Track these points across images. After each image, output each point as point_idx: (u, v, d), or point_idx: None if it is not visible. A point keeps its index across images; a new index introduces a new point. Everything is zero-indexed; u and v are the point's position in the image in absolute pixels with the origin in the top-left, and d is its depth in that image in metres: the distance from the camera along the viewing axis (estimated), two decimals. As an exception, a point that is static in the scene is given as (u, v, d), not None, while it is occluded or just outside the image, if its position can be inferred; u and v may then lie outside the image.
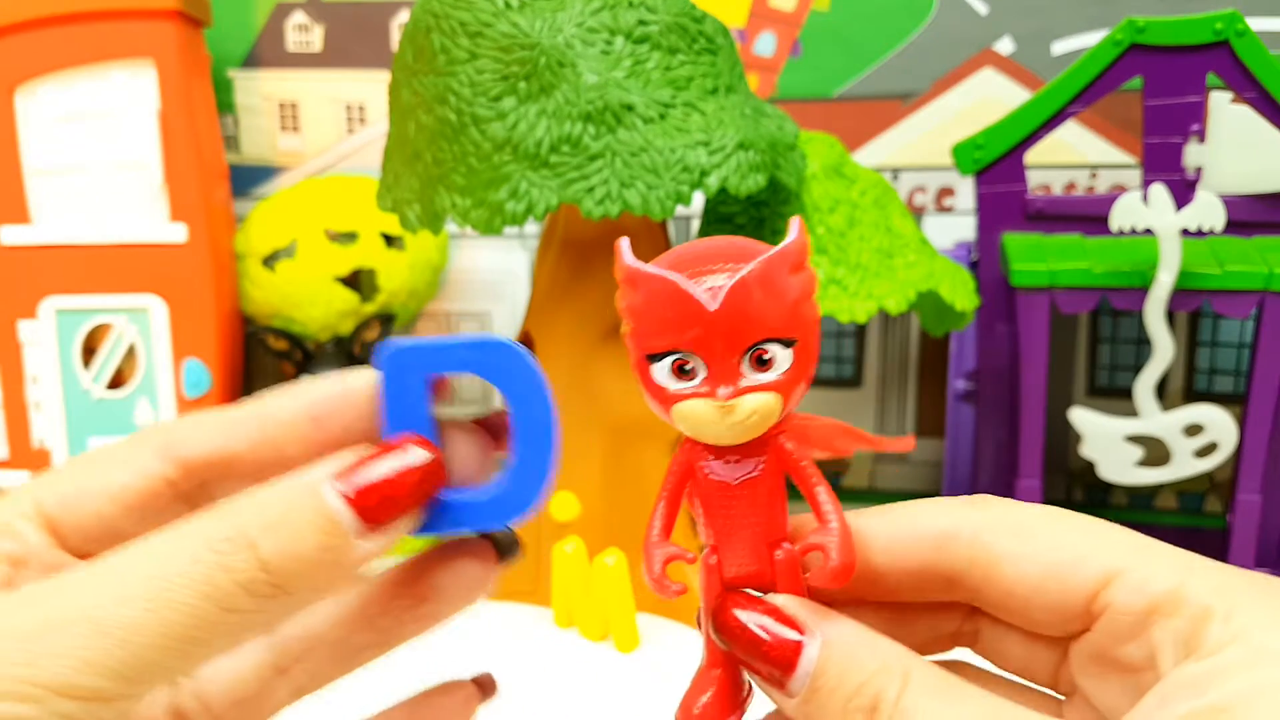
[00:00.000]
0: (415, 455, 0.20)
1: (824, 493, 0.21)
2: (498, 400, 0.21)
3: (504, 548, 0.23)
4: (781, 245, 0.20)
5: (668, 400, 0.21)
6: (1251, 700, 0.17)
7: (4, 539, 0.20)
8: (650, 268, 0.20)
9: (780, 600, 0.21)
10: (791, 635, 0.20)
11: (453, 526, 0.21)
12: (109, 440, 0.65)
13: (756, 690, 0.22)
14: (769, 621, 0.20)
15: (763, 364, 0.20)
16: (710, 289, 0.20)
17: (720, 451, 0.21)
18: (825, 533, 0.21)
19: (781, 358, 0.20)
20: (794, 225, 0.21)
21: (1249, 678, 0.17)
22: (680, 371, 0.20)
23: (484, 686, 0.24)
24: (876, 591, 0.22)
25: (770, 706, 0.22)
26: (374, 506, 0.19)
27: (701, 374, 0.20)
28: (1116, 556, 0.20)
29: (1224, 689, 0.17)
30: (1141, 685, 0.19)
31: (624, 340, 0.21)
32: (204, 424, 0.22)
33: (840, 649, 0.20)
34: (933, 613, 0.23)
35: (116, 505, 0.21)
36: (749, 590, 0.22)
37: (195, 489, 0.21)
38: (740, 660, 0.21)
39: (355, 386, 0.22)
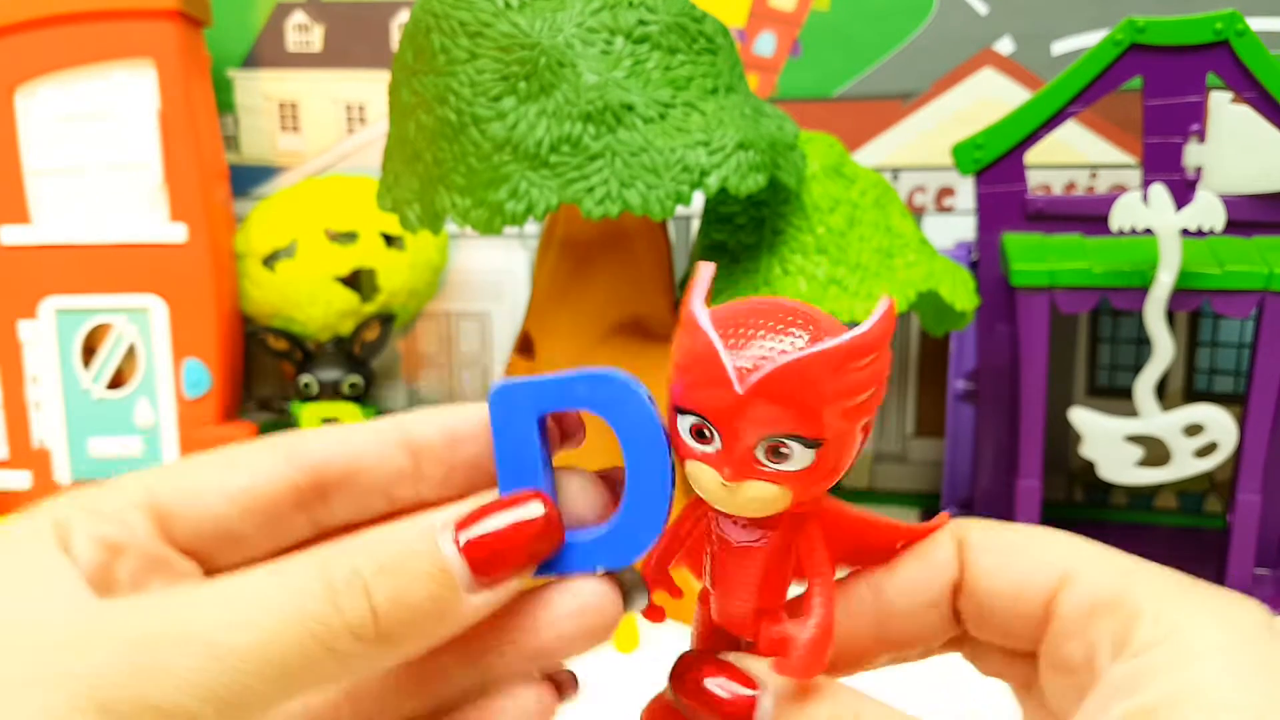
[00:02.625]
0: (532, 511, 0.20)
1: (820, 588, 0.21)
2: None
3: (629, 590, 0.21)
4: (847, 336, 0.19)
5: (683, 454, 0.20)
6: (1178, 701, 0.18)
7: (106, 523, 0.19)
8: (704, 319, 0.20)
9: (732, 657, 0.21)
10: (744, 691, 0.20)
11: (563, 568, 0.20)
12: (109, 440, 0.65)
13: None
14: (723, 680, 0.21)
15: (779, 457, 0.19)
16: (741, 368, 0.19)
17: (733, 514, 0.21)
18: (801, 627, 0.20)
19: (799, 455, 0.19)
20: (881, 305, 0.19)
21: (1176, 678, 0.18)
22: (698, 435, 0.20)
23: (562, 685, 0.22)
24: (890, 648, 0.23)
25: None
26: (486, 560, 0.19)
27: (716, 445, 0.19)
28: (1072, 562, 0.21)
29: (1153, 689, 0.18)
30: (1082, 685, 0.20)
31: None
32: (334, 434, 0.21)
33: (792, 700, 0.20)
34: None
35: (235, 506, 0.20)
36: (705, 651, 0.22)
37: (316, 498, 0.21)
38: (696, 714, 0.21)
39: (452, 416, 0.22)
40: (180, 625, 0.17)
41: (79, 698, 0.16)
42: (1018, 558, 0.22)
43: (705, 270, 0.20)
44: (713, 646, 0.22)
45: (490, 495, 0.20)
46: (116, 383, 0.64)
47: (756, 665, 0.21)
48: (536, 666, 0.21)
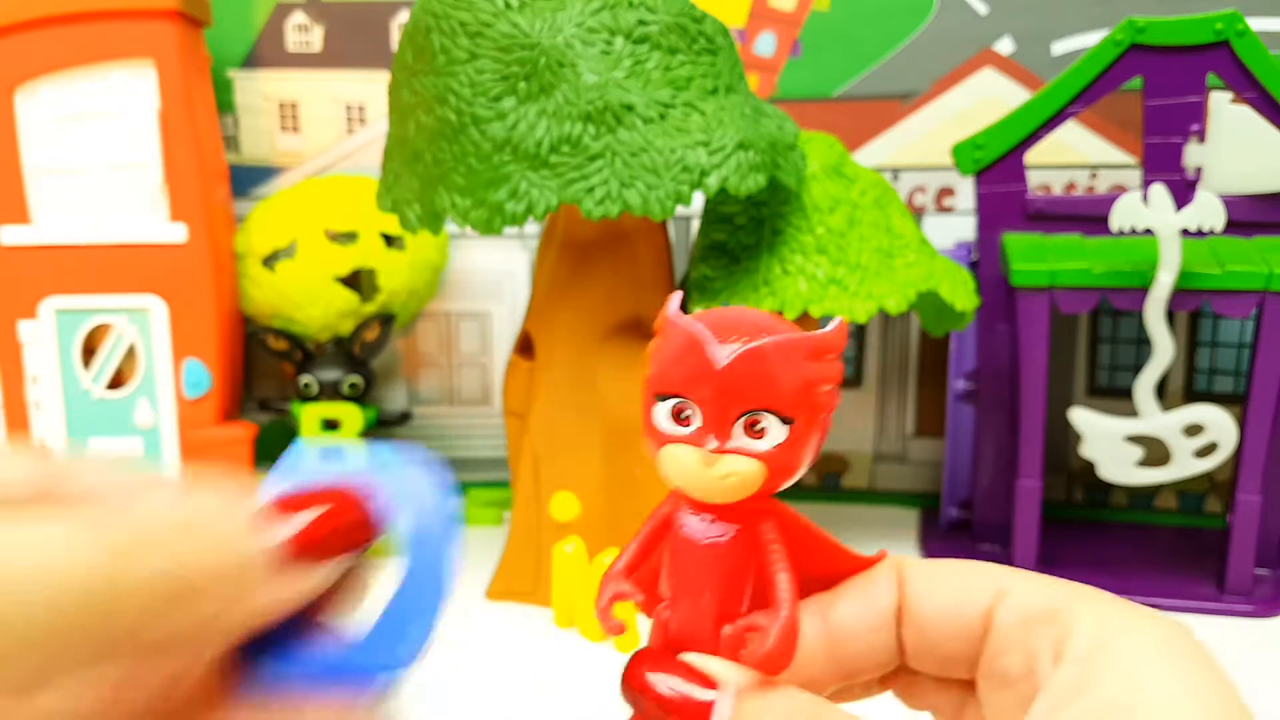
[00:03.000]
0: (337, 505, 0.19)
1: (784, 580, 0.21)
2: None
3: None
4: (816, 333, 0.21)
5: (660, 440, 0.21)
6: (1128, 699, 0.19)
7: None
8: (682, 318, 0.21)
9: (690, 657, 0.21)
10: (702, 694, 0.20)
11: (313, 677, 0.19)
12: (110, 441, 0.64)
13: None
14: (678, 681, 0.21)
15: (755, 432, 0.20)
16: (724, 349, 0.21)
17: (698, 508, 0.22)
18: (770, 617, 0.21)
19: (775, 431, 0.21)
20: (834, 323, 0.21)
21: (1122, 678, 0.19)
22: (678, 417, 0.21)
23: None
24: (841, 670, 0.23)
25: None
26: (306, 548, 0.19)
27: (696, 424, 0.21)
28: (1005, 582, 0.22)
29: (1100, 690, 0.19)
30: (1024, 695, 0.21)
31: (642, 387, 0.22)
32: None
33: (752, 700, 0.20)
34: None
35: None
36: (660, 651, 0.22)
37: None
38: (647, 714, 0.21)
39: None
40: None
41: None
42: (954, 580, 0.22)
43: (675, 298, 0.22)
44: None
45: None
46: (116, 383, 0.64)
47: (716, 665, 0.21)
48: None
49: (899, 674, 0.24)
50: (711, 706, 0.20)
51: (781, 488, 0.21)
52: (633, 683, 0.21)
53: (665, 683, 0.21)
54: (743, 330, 0.21)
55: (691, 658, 0.21)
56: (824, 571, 0.23)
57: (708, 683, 0.20)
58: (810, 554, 0.23)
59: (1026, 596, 0.21)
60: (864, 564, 0.23)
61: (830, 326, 0.21)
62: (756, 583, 0.22)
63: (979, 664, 0.22)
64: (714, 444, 0.20)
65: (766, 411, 0.20)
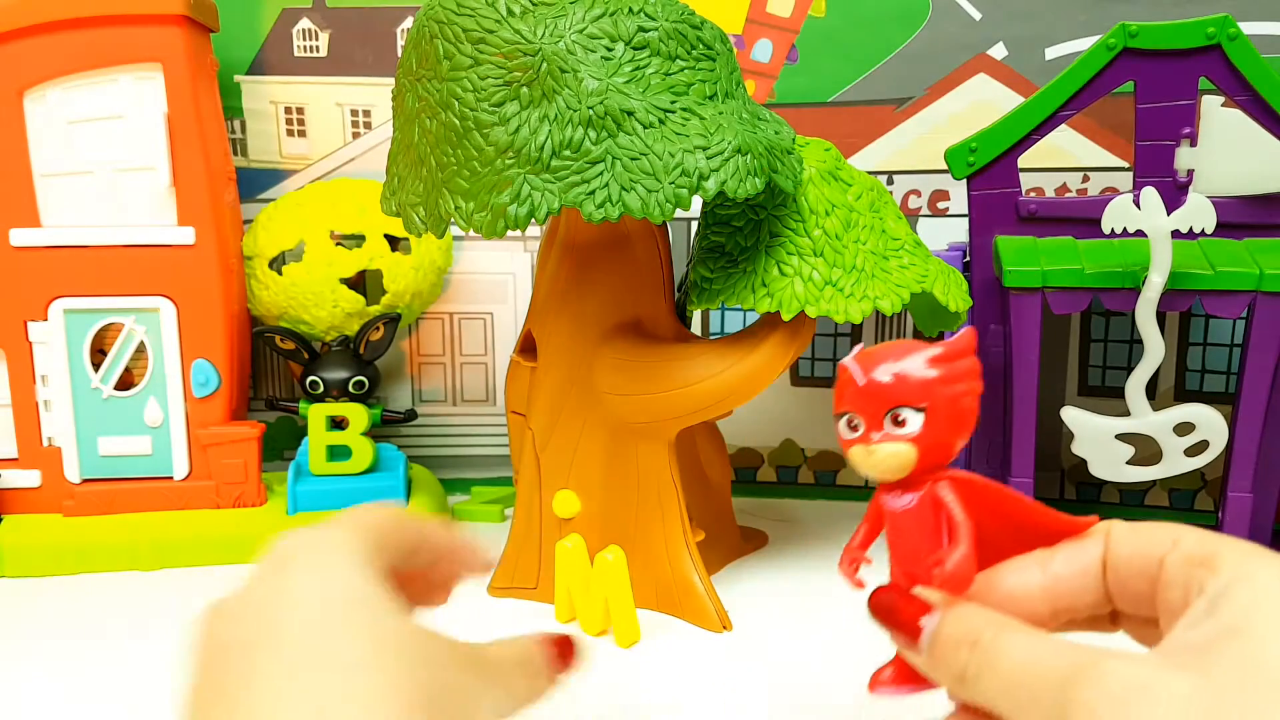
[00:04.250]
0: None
1: (959, 528, 0.29)
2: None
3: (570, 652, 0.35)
4: (941, 343, 0.30)
5: (844, 445, 0.30)
6: (1246, 619, 0.23)
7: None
8: (847, 360, 0.30)
9: (917, 589, 0.29)
10: (919, 611, 0.29)
11: None
12: (119, 439, 0.67)
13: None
14: (902, 602, 0.29)
15: (899, 423, 0.29)
16: (863, 373, 0.30)
17: (889, 488, 0.30)
18: (948, 550, 0.29)
19: (914, 421, 0.29)
20: (964, 333, 0.30)
21: (1245, 604, 0.24)
22: (850, 426, 0.30)
23: (563, 651, 0.34)
24: (1057, 617, 0.30)
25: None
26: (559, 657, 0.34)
27: (861, 429, 0.30)
28: (1180, 534, 0.27)
29: (1226, 612, 0.24)
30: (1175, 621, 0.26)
31: None
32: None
33: (954, 614, 0.28)
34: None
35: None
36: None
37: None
38: (886, 629, 0.29)
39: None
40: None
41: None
42: (1145, 534, 0.28)
43: (856, 349, 0.31)
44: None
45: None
46: (125, 383, 0.65)
47: (930, 593, 0.29)
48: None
49: (1121, 619, 0.30)
50: (924, 617, 0.28)
51: (944, 460, 0.30)
52: (874, 605, 0.29)
53: (892, 603, 0.29)
54: (881, 356, 0.30)
55: (918, 589, 0.29)
56: (1031, 528, 0.31)
57: (925, 605, 0.29)
58: (1003, 511, 0.30)
59: (1191, 544, 0.27)
60: (1082, 525, 0.30)
61: (954, 335, 0.30)
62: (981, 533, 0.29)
63: (1156, 601, 0.27)
64: (875, 438, 0.29)
65: (901, 407, 0.29)
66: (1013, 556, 0.31)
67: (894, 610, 0.29)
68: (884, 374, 0.29)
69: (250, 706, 0.23)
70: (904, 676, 0.30)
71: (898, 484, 0.30)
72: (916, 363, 0.29)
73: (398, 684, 0.23)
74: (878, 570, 0.32)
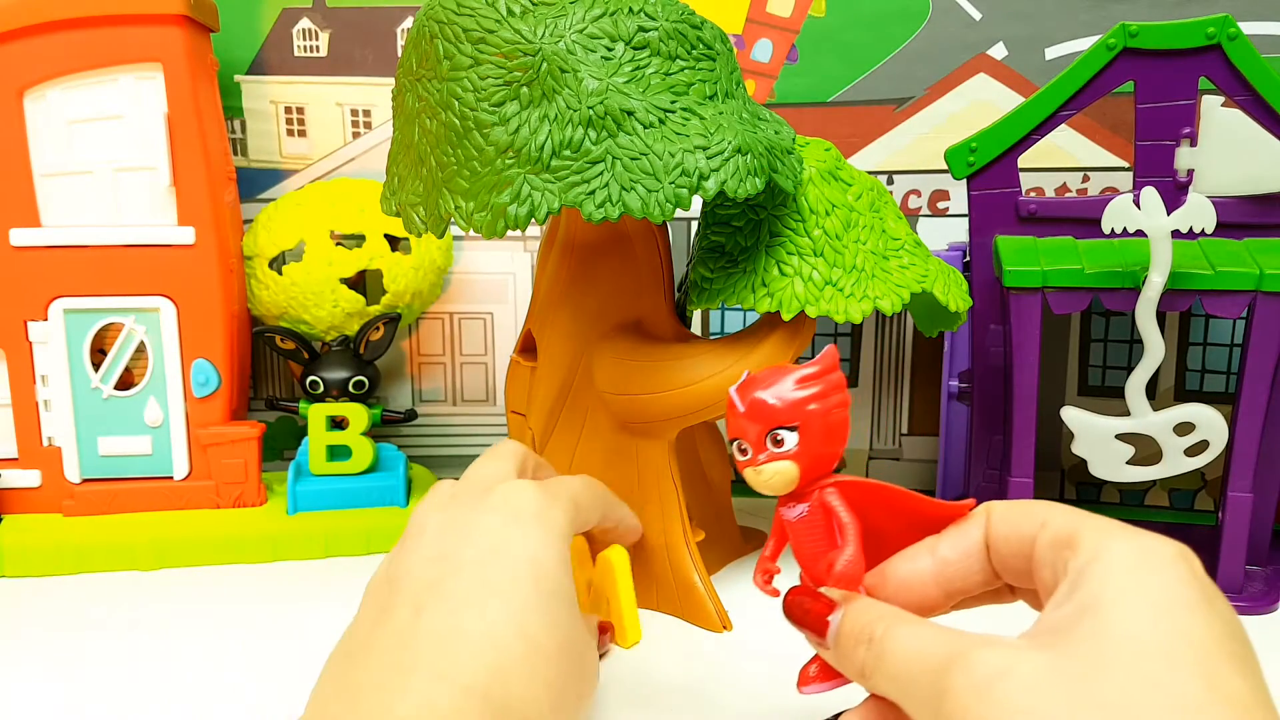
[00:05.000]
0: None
1: (845, 525, 0.33)
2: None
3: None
4: (806, 366, 0.33)
5: (739, 467, 0.34)
6: (1096, 598, 0.25)
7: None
8: (731, 389, 0.34)
9: (822, 590, 0.32)
10: (824, 609, 0.32)
11: None
12: (119, 439, 0.68)
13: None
14: (810, 602, 0.32)
15: (778, 443, 0.32)
16: (741, 402, 0.33)
17: (784, 500, 0.34)
18: (837, 553, 0.33)
19: (789, 439, 0.32)
20: (825, 352, 0.33)
21: (1095, 584, 0.26)
22: (740, 451, 0.34)
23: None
24: (950, 600, 0.33)
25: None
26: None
27: (750, 452, 0.33)
28: (1046, 515, 0.30)
29: (1079, 594, 0.26)
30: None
31: None
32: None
33: (853, 611, 0.31)
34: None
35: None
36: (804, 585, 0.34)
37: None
38: (798, 629, 0.32)
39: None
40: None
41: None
42: (1016, 516, 0.31)
43: (743, 376, 0.34)
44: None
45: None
46: (126, 383, 0.65)
47: (834, 593, 0.32)
48: None
49: (1013, 589, 0.32)
50: (830, 613, 0.32)
51: (825, 470, 0.33)
52: (787, 606, 0.33)
53: (801, 604, 0.32)
54: (756, 383, 0.33)
55: (825, 590, 0.32)
56: (919, 519, 0.33)
57: (830, 604, 0.32)
58: (889, 506, 0.33)
59: (1058, 525, 0.29)
60: (961, 510, 0.33)
61: (817, 358, 0.33)
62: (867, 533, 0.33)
63: (1033, 579, 0.30)
64: (761, 459, 0.33)
65: (776, 428, 0.32)
66: (905, 547, 0.33)
67: (803, 610, 0.32)
68: (757, 400, 0.32)
69: (425, 623, 0.30)
70: (827, 672, 0.33)
71: (790, 496, 0.33)
72: (786, 386, 0.32)
73: (557, 625, 0.31)
74: (789, 577, 0.35)
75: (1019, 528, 0.30)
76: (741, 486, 0.71)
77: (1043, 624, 0.27)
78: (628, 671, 0.49)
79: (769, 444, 0.32)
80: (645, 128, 0.44)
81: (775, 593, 0.34)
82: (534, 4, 0.45)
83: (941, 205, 0.69)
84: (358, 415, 0.65)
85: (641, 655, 0.50)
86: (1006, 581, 0.32)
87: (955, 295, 0.53)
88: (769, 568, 0.35)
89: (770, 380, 0.32)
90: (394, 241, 0.68)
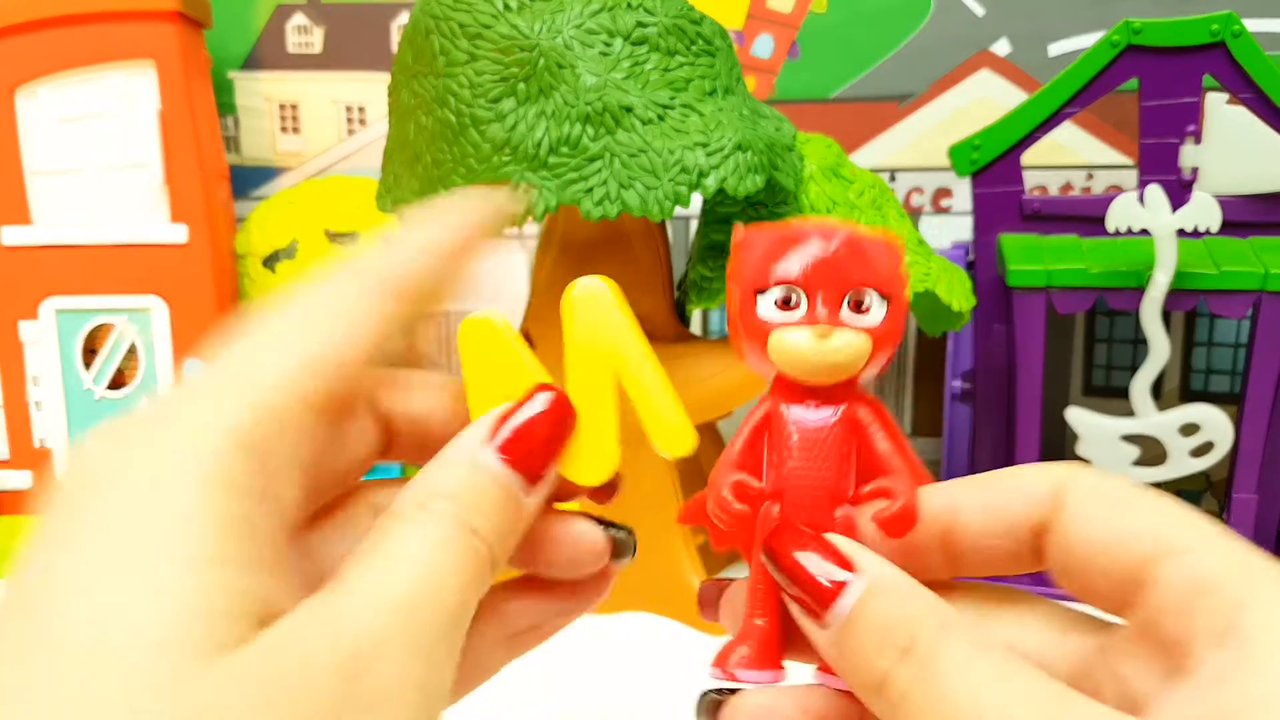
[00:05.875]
0: (542, 400, 0.22)
1: (895, 450, 0.22)
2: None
3: (620, 545, 0.24)
4: (881, 230, 0.23)
5: (766, 331, 0.23)
6: (1269, 706, 0.16)
7: (303, 447, 0.19)
8: (798, 221, 0.23)
9: (836, 539, 0.21)
10: (838, 571, 0.20)
11: None
12: None
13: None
14: (815, 557, 0.21)
15: (860, 309, 0.22)
16: (828, 238, 0.22)
17: (801, 396, 0.23)
18: (892, 479, 0.22)
19: (878, 308, 0.22)
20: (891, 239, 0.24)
21: (1271, 681, 0.17)
22: (784, 304, 0.22)
23: (619, 544, 0.24)
24: (972, 564, 0.22)
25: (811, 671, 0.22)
26: (525, 460, 0.21)
27: (804, 308, 0.22)
28: (1180, 534, 0.19)
29: (1256, 685, 0.17)
30: (1171, 665, 0.19)
31: (727, 299, 0.23)
32: (409, 254, 0.23)
33: (885, 589, 0.20)
34: None
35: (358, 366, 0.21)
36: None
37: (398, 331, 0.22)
38: (784, 588, 0.21)
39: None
40: (417, 610, 0.18)
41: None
42: (1123, 513, 0.20)
43: (739, 226, 0.24)
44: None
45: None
46: (118, 383, 0.65)
47: (857, 550, 0.20)
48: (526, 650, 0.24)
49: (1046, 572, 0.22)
50: (843, 587, 0.20)
51: (877, 368, 0.23)
52: (772, 547, 0.21)
53: (801, 554, 0.21)
54: (829, 228, 0.23)
55: (836, 538, 0.21)
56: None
57: (844, 563, 0.20)
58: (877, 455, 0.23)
59: (1198, 559, 0.19)
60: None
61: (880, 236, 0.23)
62: (859, 466, 0.23)
63: (1130, 613, 0.20)
64: (826, 315, 0.22)
65: (869, 289, 0.22)
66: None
67: (800, 566, 0.21)
68: (857, 242, 0.22)
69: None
70: (766, 657, 0.23)
71: (813, 393, 0.23)
72: (884, 239, 0.23)
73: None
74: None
75: (1120, 540, 0.20)
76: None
77: (1195, 696, 0.18)
78: (625, 674, 0.49)
79: (846, 307, 0.22)
80: (644, 124, 0.43)
81: (742, 516, 0.23)
82: (531, -2, 0.44)
83: (944, 203, 0.68)
84: (353, 416, 0.64)
85: (638, 657, 0.50)
86: (1057, 580, 0.21)
87: (958, 294, 0.52)
88: (741, 478, 0.23)
89: (852, 226, 0.23)
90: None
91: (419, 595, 0.18)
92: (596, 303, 0.24)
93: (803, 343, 0.22)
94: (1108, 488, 0.21)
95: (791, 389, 0.23)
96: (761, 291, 0.23)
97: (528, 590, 0.23)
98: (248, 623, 0.16)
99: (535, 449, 0.21)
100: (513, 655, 0.24)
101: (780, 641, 0.23)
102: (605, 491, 0.23)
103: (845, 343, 0.22)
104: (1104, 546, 0.20)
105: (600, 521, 0.23)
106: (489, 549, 0.20)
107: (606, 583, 0.24)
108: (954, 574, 0.23)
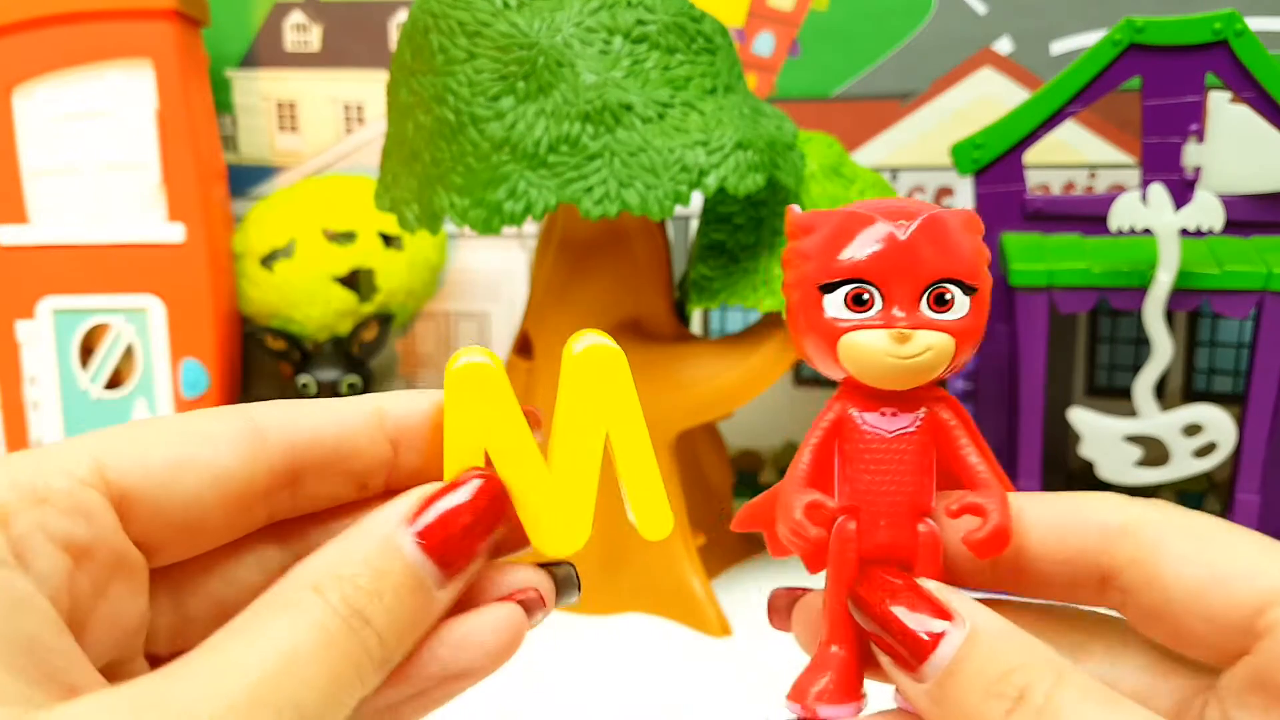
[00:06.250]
0: (472, 488, 0.19)
1: (982, 460, 0.20)
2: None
3: (562, 583, 0.21)
4: (962, 208, 0.20)
5: (835, 333, 0.20)
6: None
7: (68, 517, 0.16)
8: (830, 210, 0.21)
9: (929, 584, 0.19)
10: (934, 622, 0.19)
11: None
12: None
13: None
14: (910, 601, 0.19)
15: (942, 304, 0.20)
16: (901, 222, 0.20)
17: (876, 402, 0.20)
18: (983, 494, 0.20)
19: (961, 302, 0.20)
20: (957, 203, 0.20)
21: None
22: (856, 302, 0.20)
23: (530, 605, 0.20)
24: (1023, 584, 0.21)
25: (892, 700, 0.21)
26: (444, 552, 0.18)
27: (877, 306, 0.20)
28: (1269, 574, 0.18)
29: None
30: None
31: (786, 291, 0.21)
32: (317, 412, 0.20)
33: (988, 636, 0.18)
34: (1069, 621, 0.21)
35: (214, 491, 0.18)
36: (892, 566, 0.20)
37: (288, 483, 0.19)
38: (872, 637, 0.19)
39: (433, 401, 0.20)
40: (262, 695, 0.15)
41: None
42: (1220, 549, 0.19)
43: (794, 205, 0.22)
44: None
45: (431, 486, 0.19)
46: (114, 383, 0.64)
47: (953, 596, 0.19)
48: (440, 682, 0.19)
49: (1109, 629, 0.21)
50: (941, 638, 0.18)
51: (955, 371, 0.20)
52: (862, 598, 0.20)
53: (894, 601, 0.19)
54: (900, 209, 0.20)
55: (930, 584, 0.19)
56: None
57: (941, 612, 0.19)
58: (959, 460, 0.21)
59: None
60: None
61: (961, 207, 0.21)
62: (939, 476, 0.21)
63: (1238, 664, 0.18)
64: (905, 319, 0.19)
65: (951, 281, 0.20)
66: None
67: (893, 615, 0.19)
68: (939, 225, 0.20)
69: None
70: (846, 688, 0.21)
71: (893, 399, 0.20)
72: (964, 219, 0.20)
73: None
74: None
75: (1223, 575, 0.18)
76: (742, 489, 0.71)
77: None
78: (624, 676, 0.48)
79: (925, 303, 0.20)
80: (644, 123, 0.43)
81: (822, 541, 0.20)
82: (530, -4, 0.44)
83: (946, 202, 0.68)
84: (351, 416, 0.64)
85: (638, 660, 0.50)
86: (1135, 623, 0.20)
87: (960, 294, 0.52)
88: (815, 499, 0.20)
89: (920, 208, 0.20)
90: (390, 241, 0.67)
91: (262, 687, 0.15)
92: (604, 368, 0.21)
93: (879, 346, 0.20)
94: (1201, 527, 0.19)
95: (864, 393, 0.21)
96: (829, 287, 0.20)
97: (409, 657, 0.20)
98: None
99: (458, 539, 0.18)
100: None
101: (859, 669, 0.21)
102: (565, 586, 0.21)
103: (927, 345, 0.20)
104: (1203, 590, 0.18)
105: (542, 565, 0.21)
106: (379, 643, 0.17)
107: (510, 652, 0.20)
108: (999, 589, 0.21)
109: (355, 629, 0.17)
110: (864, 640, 0.20)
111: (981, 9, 0.66)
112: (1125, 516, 0.20)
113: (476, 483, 0.19)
